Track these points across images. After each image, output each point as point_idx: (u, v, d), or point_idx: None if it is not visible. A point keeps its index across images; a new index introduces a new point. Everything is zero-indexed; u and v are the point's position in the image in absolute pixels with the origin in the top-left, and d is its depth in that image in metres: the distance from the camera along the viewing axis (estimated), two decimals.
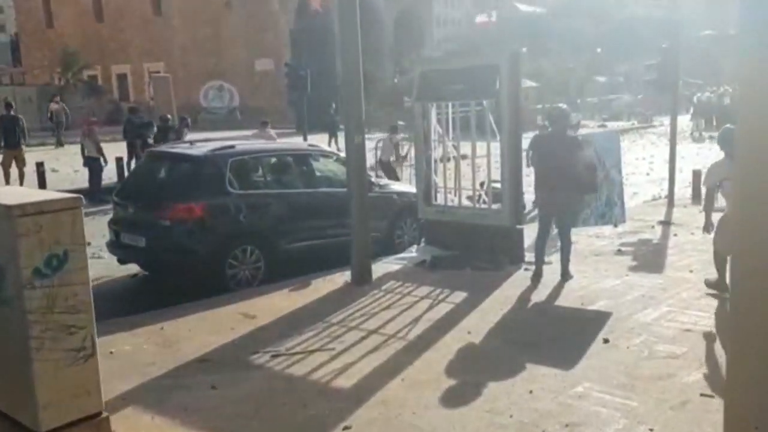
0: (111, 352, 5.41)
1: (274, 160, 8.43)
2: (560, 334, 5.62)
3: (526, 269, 7.66)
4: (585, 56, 51.93)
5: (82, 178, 15.48)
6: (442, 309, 6.40)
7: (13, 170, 15.27)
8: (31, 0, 50.65)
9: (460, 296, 6.77)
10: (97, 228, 10.13)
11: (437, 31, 65.01)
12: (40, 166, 15.12)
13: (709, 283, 6.58)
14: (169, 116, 16.85)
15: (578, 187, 7.06)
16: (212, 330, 5.91)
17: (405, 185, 10.40)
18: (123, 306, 7.48)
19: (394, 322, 6.01)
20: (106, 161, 14.50)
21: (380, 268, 7.95)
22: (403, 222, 9.34)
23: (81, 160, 15.40)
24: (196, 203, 7.41)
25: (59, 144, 25.12)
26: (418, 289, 7.09)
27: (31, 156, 18.24)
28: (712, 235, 6.44)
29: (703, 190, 6.83)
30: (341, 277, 7.61)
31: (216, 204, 7.55)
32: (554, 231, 7.57)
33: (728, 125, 6.49)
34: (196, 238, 7.42)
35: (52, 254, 3.25)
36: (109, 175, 15.62)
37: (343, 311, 6.37)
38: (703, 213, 6.62)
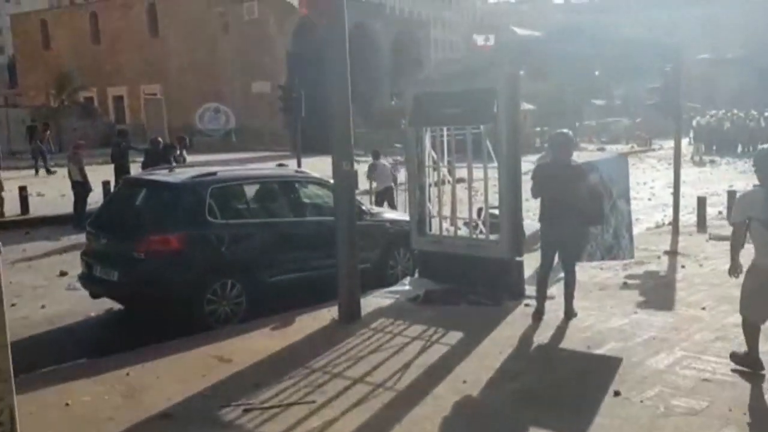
0: (67, 404, 4.87)
1: (258, 187, 7.94)
2: (566, 385, 5.09)
3: (526, 305, 7.15)
4: (582, 79, 51.85)
5: (67, 203, 14.93)
6: (436, 352, 5.86)
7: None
8: (28, 21, 50.65)
9: (455, 337, 6.24)
10: (78, 257, 9.59)
11: (435, 54, 65.11)
12: (23, 190, 14.67)
13: (737, 359, 5.27)
14: (159, 139, 16.36)
15: (583, 219, 6.57)
16: (182, 377, 5.37)
17: (398, 213, 9.92)
18: (95, 345, 6.98)
19: (383, 369, 5.47)
20: (89, 187, 13.93)
21: (370, 302, 7.43)
22: (396, 252, 8.83)
23: (69, 184, 14.86)
24: (172, 234, 6.91)
25: (37, 172, 23.49)
26: (410, 328, 6.56)
27: (20, 180, 17.82)
28: (741, 279, 5.19)
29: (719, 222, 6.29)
30: (328, 314, 7.09)
31: (194, 235, 7.05)
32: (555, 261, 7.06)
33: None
34: (172, 272, 6.91)
35: None
36: (97, 199, 15.13)
37: (327, 354, 5.83)
38: (710, 242, 5.91)
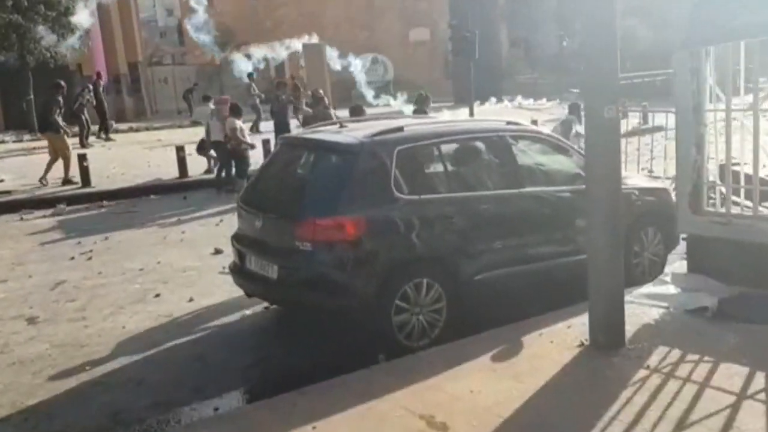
0: None
1: (458, 147, 5.71)
2: None
3: None
4: None
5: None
6: None
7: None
8: None
9: None
10: (228, 230, 8.05)
11: None
12: (180, 150, 13.51)
13: None
14: (321, 91, 14.59)
15: None
16: None
17: (644, 178, 7.31)
18: (248, 357, 5.24)
19: None
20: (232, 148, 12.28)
21: (627, 313, 5.03)
22: (643, 233, 6.32)
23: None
24: (347, 216, 4.89)
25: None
26: (720, 372, 4.09)
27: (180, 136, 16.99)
28: None
29: None
30: (569, 331, 4.83)
31: (378, 217, 4.99)
32: None
33: None
34: (350, 269, 4.92)
35: None
36: (256, 160, 13.72)
37: (599, 425, 3.55)
38: None
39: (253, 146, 11.94)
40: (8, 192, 11.87)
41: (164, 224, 10.08)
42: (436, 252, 5.20)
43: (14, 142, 19.24)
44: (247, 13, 46.66)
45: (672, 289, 5.51)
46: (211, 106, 13.97)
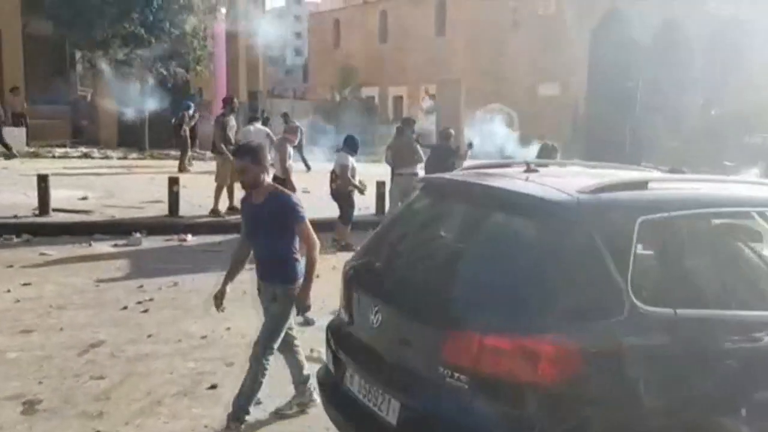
0: None
1: (740, 228, 3.25)
2: None
3: None
4: None
5: (332, 207, 11.27)
6: None
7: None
8: (323, 21, 52.20)
9: None
10: (326, 290, 5.94)
11: (758, 54, 54.46)
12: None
13: None
14: (451, 131, 12.40)
15: None
16: None
17: None
18: None
19: None
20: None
21: None
22: None
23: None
24: (548, 338, 2.55)
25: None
26: None
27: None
28: None
29: None
30: None
31: (603, 344, 2.62)
32: None
33: None
34: None
35: None
36: (366, 204, 11.74)
37: None
38: None
39: (362, 191, 9.92)
40: (86, 212, 10.37)
41: (248, 272, 8.08)
42: (698, 420, 2.76)
43: (119, 158, 18.31)
44: (372, 55, 46.14)
45: None
46: (259, 126, 12.10)
